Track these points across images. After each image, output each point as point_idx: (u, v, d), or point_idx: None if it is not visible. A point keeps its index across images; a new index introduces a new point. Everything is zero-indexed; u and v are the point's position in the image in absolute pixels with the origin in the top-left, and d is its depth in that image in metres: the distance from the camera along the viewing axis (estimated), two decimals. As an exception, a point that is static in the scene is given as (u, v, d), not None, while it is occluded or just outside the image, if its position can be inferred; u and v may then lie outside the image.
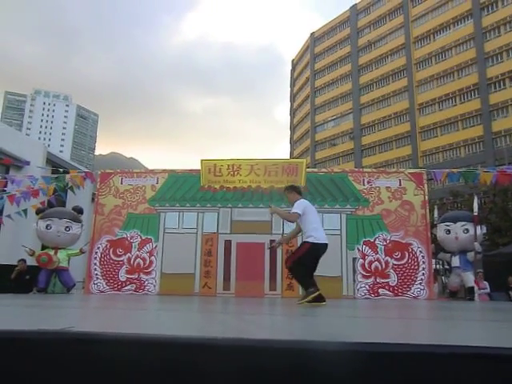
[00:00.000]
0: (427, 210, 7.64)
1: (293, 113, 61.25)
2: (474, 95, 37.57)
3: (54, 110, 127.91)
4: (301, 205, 4.69)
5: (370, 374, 1.16)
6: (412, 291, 7.17)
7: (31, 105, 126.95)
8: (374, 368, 1.17)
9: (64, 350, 1.34)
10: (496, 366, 1.12)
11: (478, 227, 7.56)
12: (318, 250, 4.52)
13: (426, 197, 7.64)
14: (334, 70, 51.47)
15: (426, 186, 7.71)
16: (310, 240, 4.51)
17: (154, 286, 7.46)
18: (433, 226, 8.30)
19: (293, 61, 62.92)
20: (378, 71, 46.13)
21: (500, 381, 1.10)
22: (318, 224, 4.74)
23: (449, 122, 39.13)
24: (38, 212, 8.32)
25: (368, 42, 47.45)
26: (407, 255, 7.33)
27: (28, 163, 10.70)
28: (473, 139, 37.06)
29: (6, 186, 9.56)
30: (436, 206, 9.99)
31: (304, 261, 4.47)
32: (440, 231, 8.02)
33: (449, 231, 7.82)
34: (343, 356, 1.19)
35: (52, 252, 7.92)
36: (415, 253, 7.34)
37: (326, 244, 4.58)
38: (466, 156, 36.71)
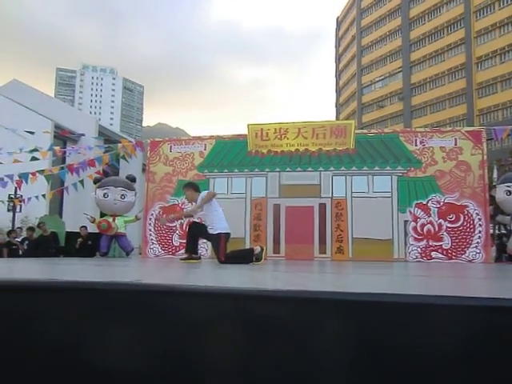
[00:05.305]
0: (485, 171, 7.23)
1: (338, 75, 59.02)
2: (542, 44, 34.06)
3: (101, 84, 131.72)
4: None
5: (368, 323, 1.20)
6: (467, 254, 6.94)
7: (81, 80, 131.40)
8: (371, 317, 1.20)
9: (133, 300, 1.47)
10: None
11: (543, 187, 7.06)
12: (228, 236, 5.37)
13: (485, 156, 7.21)
14: (382, 25, 48.50)
15: (484, 144, 7.26)
16: (222, 231, 5.30)
17: (206, 250, 7.72)
18: (491, 187, 7.87)
19: (337, 18, 59.88)
20: (431, 23, 42.86)
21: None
22: (222, 215, 5.44)
23: (511, 76, 36.02)
24: (96, 181, 8.80)
25: (421, -9, 43.89)
26: (462, 218, 7.05)
27: (83, 135, 11.24)
28: (538, 93, 34.02)
29: (64, 159, 10.15)
30: (495, 166, 9.43)
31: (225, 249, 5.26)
32: (500, 192, 7.59)
33: (509, 192, 7.38)
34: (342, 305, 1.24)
35: (110, 219, 8.40)
36: (471, 215, 7.04)
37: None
38: (529, 113, 33.88)
